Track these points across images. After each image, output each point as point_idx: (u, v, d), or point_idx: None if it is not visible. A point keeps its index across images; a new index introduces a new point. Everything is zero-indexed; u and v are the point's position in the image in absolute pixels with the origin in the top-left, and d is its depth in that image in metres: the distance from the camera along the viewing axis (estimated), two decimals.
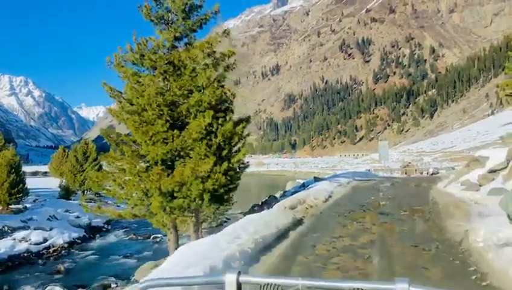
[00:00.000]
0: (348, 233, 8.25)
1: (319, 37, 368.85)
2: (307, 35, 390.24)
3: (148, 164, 10.17)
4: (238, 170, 11.71)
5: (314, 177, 20.87)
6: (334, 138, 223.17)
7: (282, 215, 9.53)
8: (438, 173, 46.26)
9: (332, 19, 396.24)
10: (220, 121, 10.23)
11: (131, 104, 10.43)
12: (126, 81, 10.61)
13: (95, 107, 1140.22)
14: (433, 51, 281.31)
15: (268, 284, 1.18)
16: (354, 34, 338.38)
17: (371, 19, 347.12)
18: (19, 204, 27.19)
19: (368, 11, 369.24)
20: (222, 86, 10.62)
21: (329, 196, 13.77)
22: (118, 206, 16.70)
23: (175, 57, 10.37)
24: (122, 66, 10.58)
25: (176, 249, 9.98)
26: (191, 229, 14.41)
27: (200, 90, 10.06)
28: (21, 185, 26.84)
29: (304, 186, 18.50)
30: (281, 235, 8.04)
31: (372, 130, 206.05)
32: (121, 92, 10.84)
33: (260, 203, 20.53)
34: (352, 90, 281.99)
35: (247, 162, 12.40)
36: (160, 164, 9.87)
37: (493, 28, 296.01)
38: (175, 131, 9.97)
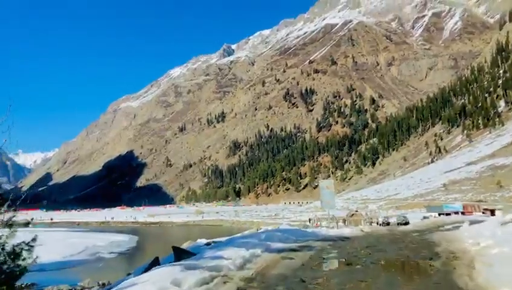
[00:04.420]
0: None
1: (263, 86, 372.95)
2: (252, 84, 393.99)
3: None
4: None
5: (173, 249, 10.96)
6: (279, 185, 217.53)
7: None
8: (389, 223, 39.70)
9: (276, 69, 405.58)
10: None
11: None
12: None
13: (32, 153, 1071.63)
14: (373, 101, 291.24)
15: None
16: (298, 84, 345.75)
17: (313, 70, 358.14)
18: None
19: (311, 62, 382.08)
20: None
21: None
22: None
23: None
24: None
25: None
26: None
27: None
28: None
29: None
30: None
31: (316, 178, 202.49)
32: None
33: None
34: (296, 138, 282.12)
35: None
36: None
37: (428, 81, 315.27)
38: None
